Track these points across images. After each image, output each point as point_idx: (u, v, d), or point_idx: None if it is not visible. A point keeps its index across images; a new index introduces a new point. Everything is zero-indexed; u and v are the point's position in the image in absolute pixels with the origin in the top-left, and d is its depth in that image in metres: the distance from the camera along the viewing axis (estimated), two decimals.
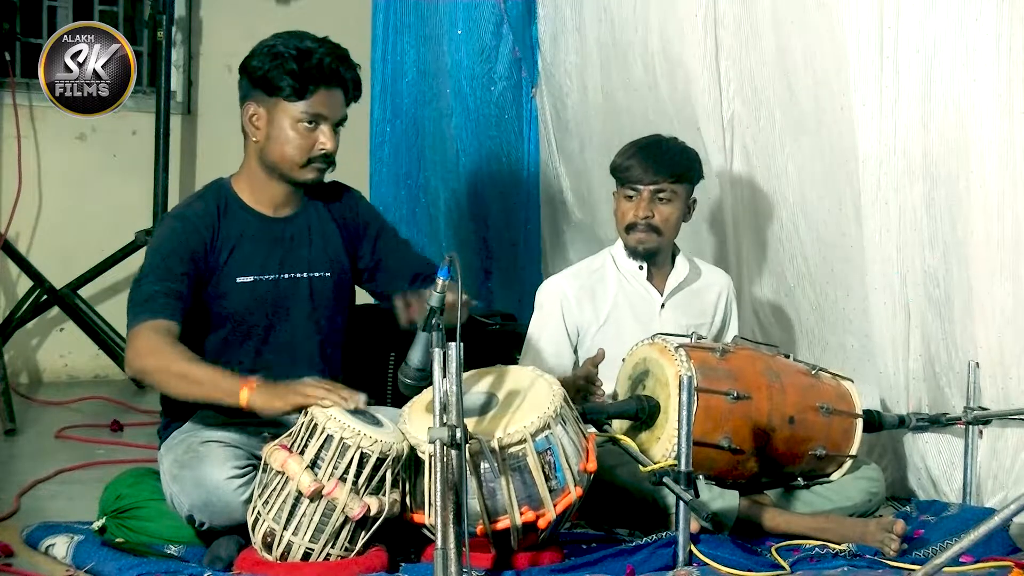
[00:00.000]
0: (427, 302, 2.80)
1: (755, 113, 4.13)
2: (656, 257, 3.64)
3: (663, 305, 3.65)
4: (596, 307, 3.62)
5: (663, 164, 3.56)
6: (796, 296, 4.12)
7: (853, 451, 3.44)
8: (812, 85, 3.88)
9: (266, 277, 3.21)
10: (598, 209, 5.00)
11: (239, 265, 3.18)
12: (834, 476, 3.45)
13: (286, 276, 3.23)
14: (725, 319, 3.78)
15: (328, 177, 3.41)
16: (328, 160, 3.20)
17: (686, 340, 3.37)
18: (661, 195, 3.56)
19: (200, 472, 2.94)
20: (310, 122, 3.16)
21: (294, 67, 3.13)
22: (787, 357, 3.51)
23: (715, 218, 4.35)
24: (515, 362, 3.52)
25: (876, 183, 3.65)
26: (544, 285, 3.72)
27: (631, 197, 3.57)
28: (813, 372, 3.47)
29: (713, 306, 3.75)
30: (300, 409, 2.88)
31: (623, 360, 3.43)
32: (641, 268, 3.64)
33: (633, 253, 3.63)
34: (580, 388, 3.35)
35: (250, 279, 3.19)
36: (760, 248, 4.21)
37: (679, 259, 3.70)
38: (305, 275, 3.25)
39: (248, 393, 2.88)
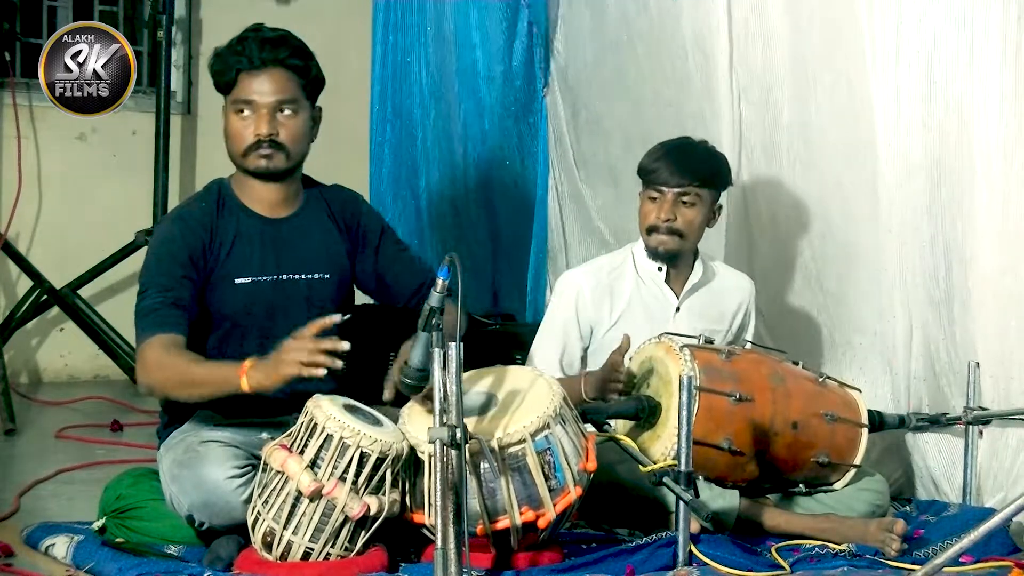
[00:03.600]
0: (427, 302, 2.79)
1: (762, 114, 4.13)
2: (677, 260, 3.62)
3: (678, 308, 3.64)
4: (612, 306, 3.61)
5: (688, 167, 3.53)
6: (804, 295, 4.12)
7: (857, 460, 3.41)
8: (816, 85, 3.87)
9: (264, 279, 3.19)
10: (616, 209, 5.01)
11: (236, 266, 3.17)
12: (837, 485, 3.41)
13: (284, 277, 3.21)
14: (743, 326, 3.76)
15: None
16: (272, 145, 3.13)
17: (693, 341, 3.37)
18: (685, 198, 3.53)
19: (200, 472, 2.93)
20: (241, 110, 3.14)
21: (221, 60, 3.16)
22: (795, 364, 3.50)
23: (726, 218, 4.34)
24: (515, 362, 3.52)
25: (880, 182, 3.65)
26: (563, 277, 3.70)
27: (655, 199, 3.54)
28: (820, 380, 3.45)
29: (732, 312, 3.73)
30: (292, 402, 2.87)
31: (630, 358, 3.43)
32: (660, 270, 3.62)
33: (653, 255, 3.60)
34: (608, 378, 3.34)
35: (248, 280, 3.18)
36: (769, 247, 4.21)
37: (697, 262, 3.68)
38: (303, 276, 3.23)
39: (245, 378, 2.87)
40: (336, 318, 2.88)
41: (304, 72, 3.17)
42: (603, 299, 3.60)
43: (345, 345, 2.82)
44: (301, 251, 3.24)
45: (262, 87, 3.13)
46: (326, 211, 3.31)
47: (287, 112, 3.15)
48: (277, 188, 3.23)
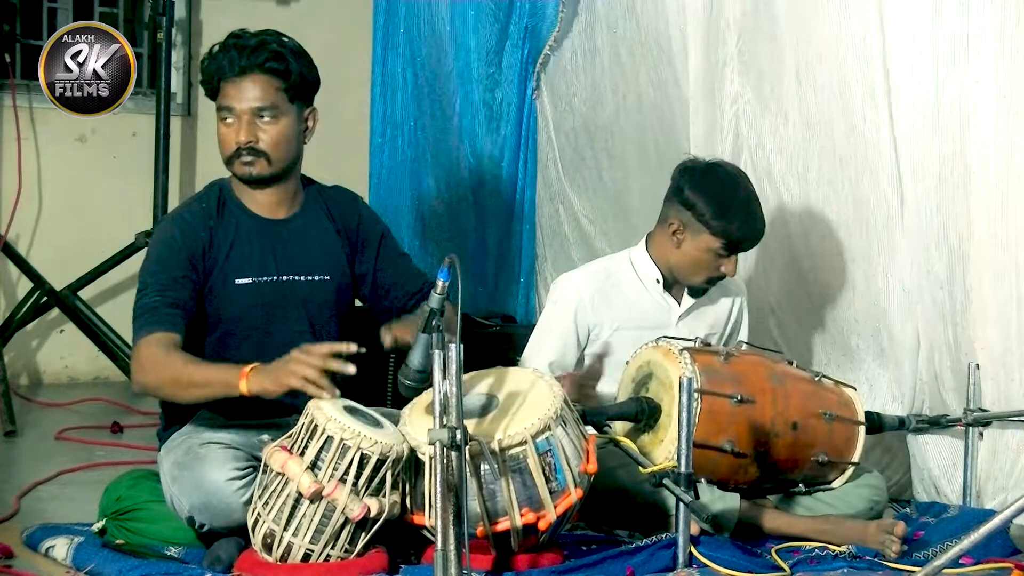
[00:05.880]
0: (427, 304, 2.79)
1: (761, 116, 4.12)
2: None
3: (680, 317, 3.64)
4: (612, 311, 3.59)
5: (763, 232, 3.59)
6: (809, 297, 4.11)
7: (855, 458, 3.43)
8: (817, 88, 3.87)
9: (264, 280, 3.19)
10: (608, 211, 5.00)
11: (236, 267, 3.17)
12: (835, 483, 3.43)
13: (284, 279, 3.21)
14: (736, 327, 3.77)
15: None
16: (252, 152, 3.14)
17: (690, 344, 3.37)
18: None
19: (200, 473, 2.94)
20: (224, 117, 3.16)
21: (204, 68, 3.18)
22: (791, 363, 3.50)
23: None
24: (514, 363, 3.52)
25: (884, 184, 3.65)
26: (561, 281, 3.67)
27: (723, 255, 3.51)
28: (816, 379, 3.46)
29: (727, 315, 3.74)
30: (294, 402, 2.87)
31: (627, 362, 3.43)
32: (658, 282, 3.62)
33: (692, 291, 3.63)
34: (582, 384, 3.36)
35: (248, 281, 3.18)
36: (771, 250, 4.20)
37: None
38: (303, 278, 3.23)
39: (246, 381, 2.88)
40: (352, 347, 2.87)
41: (284, 75, 3.16)
42: (603, 303, 3.59)
43: (351, 370, 2.84)
44: (301, 253, 3.24)
45: (241, 94, 3.13)
46: (325, 213, 3.31)
47: (267, 118, 3.14)
48: (273, 191, 3.23)
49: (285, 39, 3.22)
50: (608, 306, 3.59)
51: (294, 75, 3.17)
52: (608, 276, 3.63)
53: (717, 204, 3.48)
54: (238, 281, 3.17)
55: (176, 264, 3.10)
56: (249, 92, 3.13)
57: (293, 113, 3.19)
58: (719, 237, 3.49)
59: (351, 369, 2.85)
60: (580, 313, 3.57)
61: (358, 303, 3.43)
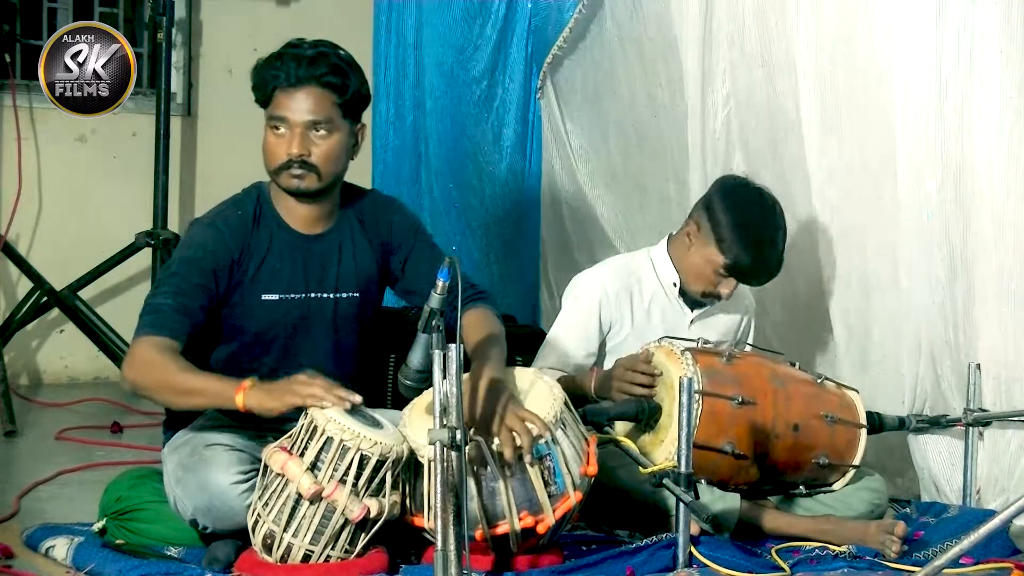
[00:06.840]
0: (427, 303, 2.79)
1: (755, 118, 4.12)
2: None
3: (692, 321, 3.65)
4: (632, 308, 3.60)
5: (774, 274, 3.59)
6: (808, 297, 4.11)
7: (856, 461, 3.43)
8: (817, 85, 3.86)
9: (292, 296, 3.16)
10: (617, 209, 5.00)
11: (265, 282, 3.14)
12: (836, 485, 3.43)
13: (312, 295, 3.18)
14: (743, 338, 3.78)
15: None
16: (304, 166, 3.08)
17: (693, 344, 3.37)
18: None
19: (204, 476, 2.93)
20: (275, 127, 3.10)
21: (259, 75, 3.12)
22: (793, 365, 3.50)
23: None
24: (514, 363, 3.51)
25: (884, 186, 3.65)
26: (583, 278, 3.67)
27: (723, 275, 3.53)
28: (818, 381, 3.46)
29: (737, 325, 3.76)
30: (298, 409, 2.87)
31: None
32: (675, 285, 3.63)
33: (688, 301, 3.64)
34: (619, 377, 3.34)
35: (276, 297, 3.14)
36: None
37: None
38: (331, 295, 3.20)
39: (243, 395, 2.85)
40: (357, 399, 2.86)
41: (341, 90, 3.09)
42: (625, 300, 3.60)
43: (358, 399, 2.85)
44: (331, 270, 3.20)
45: (296, 105, 3.07)
46: (359, 228, 3.25)
47: (321, 132, 3.08)
48: (315, 206, 3.18)
49: (341, 52, 3.15)
50: (629, 303, 3.60)
51: (351, 90, 3.11)
52: (630, 273, 3.64)
53: (736, 222, 3.48)
54: (265, 297, 3.14)
55: (198, 272, 3.06)
56: (305, 104, 3.07)
57: (346, 128, 3.13)
58: (724, 255, 3.49)
59: (358, 399, 2.85)
60: (604, 309, 3.58)
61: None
